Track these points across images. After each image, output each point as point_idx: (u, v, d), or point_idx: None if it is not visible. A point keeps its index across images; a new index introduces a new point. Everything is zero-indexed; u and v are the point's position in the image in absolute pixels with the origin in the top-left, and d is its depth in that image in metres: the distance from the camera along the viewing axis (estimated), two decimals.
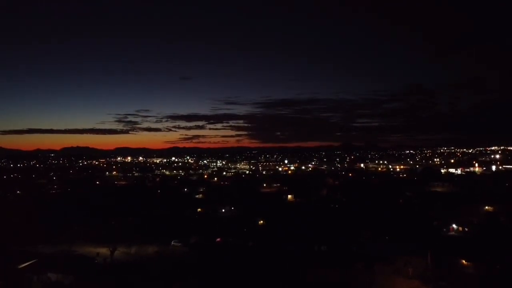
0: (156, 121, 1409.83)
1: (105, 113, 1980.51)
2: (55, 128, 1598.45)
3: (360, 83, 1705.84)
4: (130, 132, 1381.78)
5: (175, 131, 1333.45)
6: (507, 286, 46.25)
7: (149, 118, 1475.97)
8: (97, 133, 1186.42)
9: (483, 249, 56.64)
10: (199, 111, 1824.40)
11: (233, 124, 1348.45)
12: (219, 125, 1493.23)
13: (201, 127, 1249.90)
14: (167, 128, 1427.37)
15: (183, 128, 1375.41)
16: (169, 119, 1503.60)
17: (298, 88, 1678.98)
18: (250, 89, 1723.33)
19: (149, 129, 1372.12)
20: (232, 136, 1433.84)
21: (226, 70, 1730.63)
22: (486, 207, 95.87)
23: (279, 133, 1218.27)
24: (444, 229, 76.89)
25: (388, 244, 64.76)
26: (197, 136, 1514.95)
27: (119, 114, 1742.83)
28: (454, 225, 77.57)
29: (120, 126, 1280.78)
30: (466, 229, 75.64)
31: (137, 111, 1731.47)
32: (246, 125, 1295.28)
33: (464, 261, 54.03)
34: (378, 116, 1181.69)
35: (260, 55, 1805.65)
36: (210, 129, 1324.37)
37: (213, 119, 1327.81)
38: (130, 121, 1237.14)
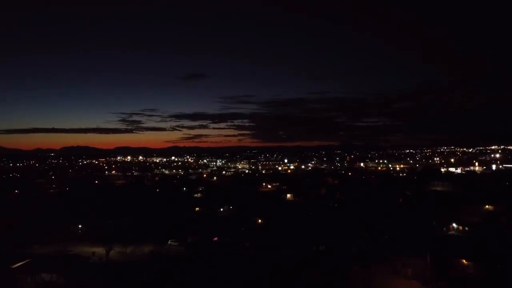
0: (161, 121, 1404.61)
1: (109, 113, 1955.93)
2: (59, 127, 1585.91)
3: (370, 83, 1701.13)
4: (134, 131, 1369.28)
5: (180, 130, 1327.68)
6: (507, 287, 45.47)
7: (153, 117, 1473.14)
8: (101, 132, 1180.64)
9: (483, 249, 55.81)
10: (206, 110, 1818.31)
11: (237, 124, 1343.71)
12: (222, 125, 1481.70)
13: (205, 127, 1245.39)
14: (171, 128, 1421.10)
15: (187, 127, 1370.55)
16: (173, 118, 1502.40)
17: (309, 87, 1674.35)
18: (262, 88, 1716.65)
19: (153, 129, 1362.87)
20: (234, 135, 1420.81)
21: (237, 69, 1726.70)
22: (487, 207, 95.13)
23: (282, 132, 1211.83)
24: (444, 229, 76.07)
25: (387, 244, 63.85)
26: (199, 136, 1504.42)
27: (124, 113, 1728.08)
28: (454, 225, 76.78)
29: (124, 126, 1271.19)
30: (466, 229, 74.81)
31: (142, 110, 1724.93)
32: (249, 124, 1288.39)
33: (464, 261, 53.17)
34: (383, 115, 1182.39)
35: (272, 55, 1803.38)
36: (213, 128, 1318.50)
37: (218, 118, 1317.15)
38: (134, 121, 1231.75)
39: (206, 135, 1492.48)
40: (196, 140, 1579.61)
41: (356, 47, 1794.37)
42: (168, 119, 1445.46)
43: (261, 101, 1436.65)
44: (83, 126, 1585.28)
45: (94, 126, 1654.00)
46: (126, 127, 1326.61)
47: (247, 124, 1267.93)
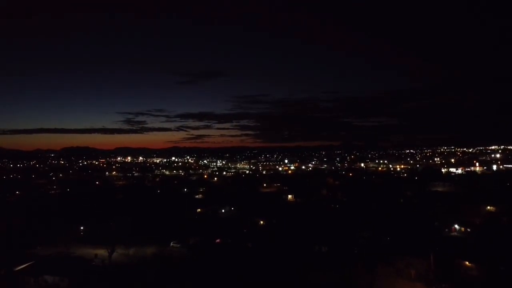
0: (166, 121, 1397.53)
1: (116, 113, 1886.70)
2: (65, 127, 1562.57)
3: (371, 84, 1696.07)
4: (139, 132, 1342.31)
5: (185, 130, 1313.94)
6: None
7: (159, 118, 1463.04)
8: (105, 133, 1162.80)
9: (485, 250, 55.86)
10: (215, 110, 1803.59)
11: (242, 124, 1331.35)
12: (227, 125, 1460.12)
13: (209, 127, 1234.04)
14: (176, 128, 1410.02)
15: (191, 127, 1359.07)
16: (178, 118, 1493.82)
17: (322, 86, 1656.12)
18: (277, 86, 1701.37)
19: (158, 129, 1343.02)
20: (237, 135, 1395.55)
21: (252, 68, 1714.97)
22: (488, 207, 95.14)
23: (286, 132, 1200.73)
24: (446, 230, 76.14)
25: (389, 245, 63.88)
26: (202, 136, 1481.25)
27: (131, 113, 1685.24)
28: (456, 226, 76.81)
29: (128, 126, 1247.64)
30: (468, 230, 74.85)
31: (149, 110, 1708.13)
32: (254, 124, 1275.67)
33: (467, 262, 53.22)
34: (384, 115, 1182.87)
35: (287, 53, 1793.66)
36: (217, 128, 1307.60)
37: (224, 118, 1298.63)
38: (139, 121, 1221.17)
39: (209, 135, 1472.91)
40: (198, 140, 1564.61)
41: (357, 47, 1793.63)
42: (173, 119, 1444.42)
43: (272, 100, 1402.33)
44: (88, 127, 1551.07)
45: (100, 126, 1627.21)
46: (130, 128, 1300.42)
47: (252, 124, 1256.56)
